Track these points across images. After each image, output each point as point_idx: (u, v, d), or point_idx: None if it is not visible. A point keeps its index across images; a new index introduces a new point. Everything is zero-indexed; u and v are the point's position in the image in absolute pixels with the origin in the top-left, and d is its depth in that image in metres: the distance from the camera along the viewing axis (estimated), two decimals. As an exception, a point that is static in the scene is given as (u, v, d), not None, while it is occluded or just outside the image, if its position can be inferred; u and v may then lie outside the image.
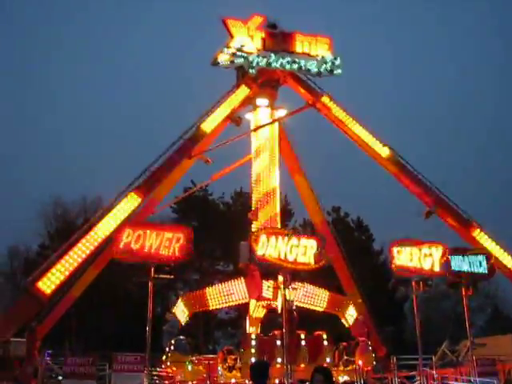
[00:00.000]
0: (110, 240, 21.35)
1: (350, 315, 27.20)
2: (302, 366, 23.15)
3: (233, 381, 22.20)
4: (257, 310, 27.22)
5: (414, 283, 21.48)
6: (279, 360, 22.39)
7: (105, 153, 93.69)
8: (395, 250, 21.99)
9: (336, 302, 27.61)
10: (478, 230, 26.12)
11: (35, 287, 19.76)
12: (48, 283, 19.83)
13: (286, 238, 21.18)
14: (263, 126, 28.03)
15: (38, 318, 22.98)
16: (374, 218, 56.45)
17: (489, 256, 23.83)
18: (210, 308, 26.77)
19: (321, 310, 27.24)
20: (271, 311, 26.66)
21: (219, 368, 23.12)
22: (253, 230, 27.32)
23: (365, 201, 65.61)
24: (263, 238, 21.01)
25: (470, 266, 22.95)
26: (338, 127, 28.44)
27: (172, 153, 24.26)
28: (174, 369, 23.16)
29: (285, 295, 21.15)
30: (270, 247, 20.75)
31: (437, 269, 22.09)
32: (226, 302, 26.26)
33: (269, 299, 25.81)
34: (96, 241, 21.08)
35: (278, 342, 22.88)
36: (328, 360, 23.75)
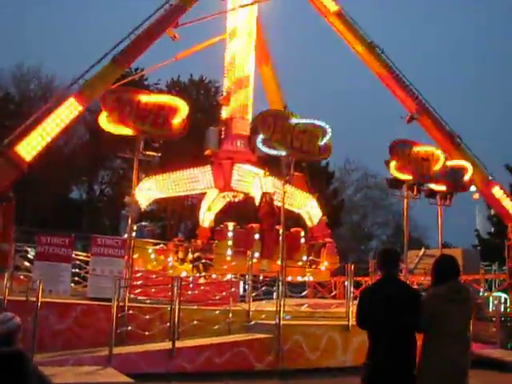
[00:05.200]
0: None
1: (315, 215, 26.22)
2: (278, 262, 22.14)
3: (183, 274, 20.71)
4: (217, 202, 25.89)
5: (412, 187, 20.52)
6: (256, 254, 21.32)
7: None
8: (393, 150, 20.80)
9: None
10: (459, 143, 25.30)
11: (13, 151, 17.05)
12: (28, 148, 17.16)
13: (293, 121, 19.26)
14: (245, 5, 25.73)
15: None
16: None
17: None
18: (174, 194, 25.02)
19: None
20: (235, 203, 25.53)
21: (169, 259, 21.70)
22: (223, 116, 25.65)
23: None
24: (269, 119, 18.93)
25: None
26: (327, 19, 26.38)
27: (158, 19, 21.51)
28: (136, 256, 21.45)
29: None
30: (276, 131, 18.66)
31: (432, 174, 21.20)
32: (191, 189, 24.59)
33: (237, 191, 24.47)
34: (76, 109, 18.46)
35: (257, 236, 21.75)
36: (304, 258, 22.91)
